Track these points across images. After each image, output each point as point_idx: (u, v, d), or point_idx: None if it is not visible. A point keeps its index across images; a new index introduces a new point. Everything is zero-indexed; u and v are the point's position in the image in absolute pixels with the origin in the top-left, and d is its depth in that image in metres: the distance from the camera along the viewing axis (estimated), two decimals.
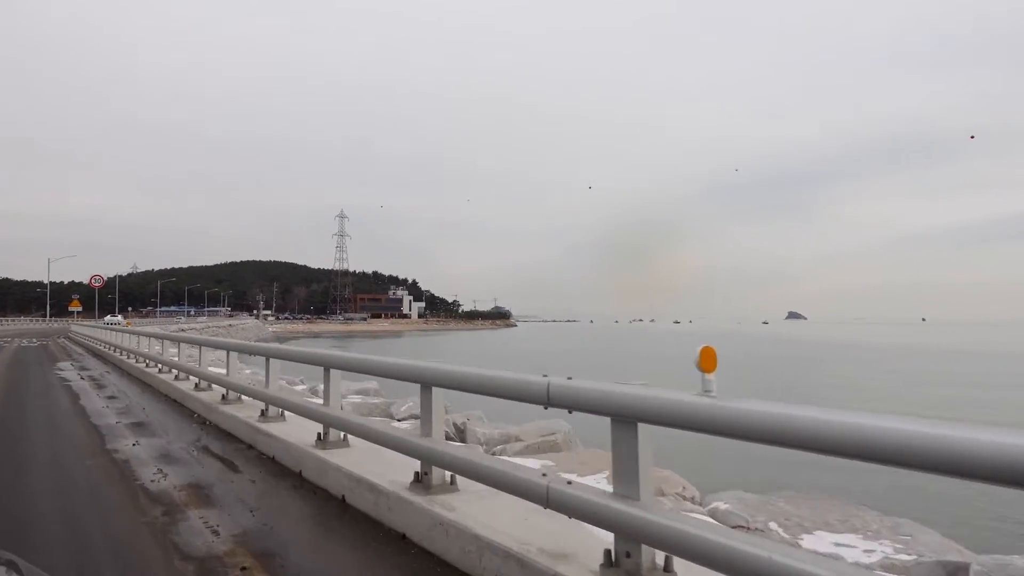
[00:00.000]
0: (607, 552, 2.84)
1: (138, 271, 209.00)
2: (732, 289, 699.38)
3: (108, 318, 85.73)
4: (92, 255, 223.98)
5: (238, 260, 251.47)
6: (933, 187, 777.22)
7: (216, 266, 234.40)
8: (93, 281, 42.72)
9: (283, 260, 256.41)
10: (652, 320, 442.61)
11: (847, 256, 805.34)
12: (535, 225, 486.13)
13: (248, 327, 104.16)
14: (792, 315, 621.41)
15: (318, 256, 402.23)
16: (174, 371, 12.16)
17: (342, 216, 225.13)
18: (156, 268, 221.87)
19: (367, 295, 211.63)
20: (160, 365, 13.56)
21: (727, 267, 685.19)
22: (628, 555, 2.76)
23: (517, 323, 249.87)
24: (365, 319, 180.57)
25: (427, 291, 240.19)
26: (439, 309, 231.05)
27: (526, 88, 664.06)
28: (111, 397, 11.22)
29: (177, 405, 10.18)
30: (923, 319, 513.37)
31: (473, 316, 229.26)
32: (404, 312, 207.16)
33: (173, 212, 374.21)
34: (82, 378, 14.46)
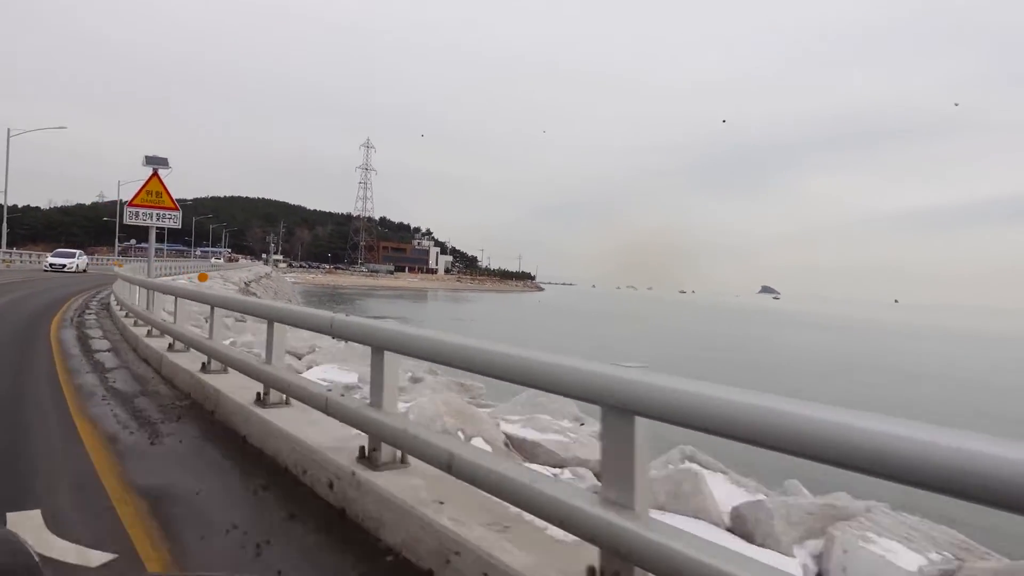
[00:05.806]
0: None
1: (104, 199, 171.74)
2: (707, 262, 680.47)
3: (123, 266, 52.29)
4: (46, 180, 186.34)
5: (221, 195, 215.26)
6: (901, 169, 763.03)
7: (198, 200, 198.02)
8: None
9: (272, 199, 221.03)
10: (649, 288, 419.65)
11: (809, 233, 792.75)
12: (521, 187, 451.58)
13: (274, 278, 78.45)
14: (765, 289, 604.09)
15: (313, 198, 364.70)
16: None
17: (368, 146, 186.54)
18: (125, 199, 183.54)
19: (390, 243, 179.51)
20: None
21: (697, 240, 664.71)
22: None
23: (543, 286, 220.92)
24: (391, 272, 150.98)
25: (446, 242, 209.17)
26: (462, 264, 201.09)
27: (534, 52, 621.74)
28: None
29: None
30: (896, 300, 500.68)
31: (507, 276, 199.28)
32: (431, 266, 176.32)
33: (132, 140, 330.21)
34: None
